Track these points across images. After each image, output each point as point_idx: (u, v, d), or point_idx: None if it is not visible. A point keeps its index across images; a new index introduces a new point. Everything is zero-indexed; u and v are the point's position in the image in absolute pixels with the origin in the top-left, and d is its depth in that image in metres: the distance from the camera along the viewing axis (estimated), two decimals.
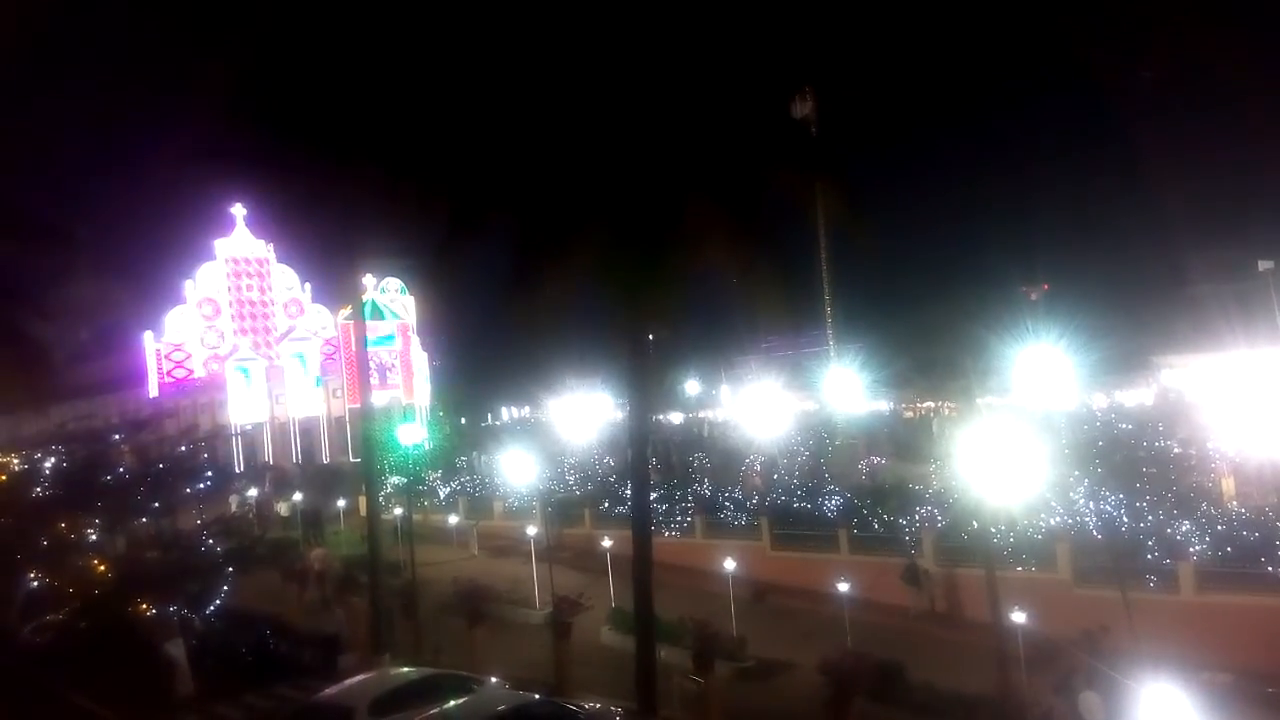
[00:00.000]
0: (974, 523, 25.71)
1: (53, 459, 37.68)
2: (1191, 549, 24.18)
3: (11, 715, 18.96)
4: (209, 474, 42.64)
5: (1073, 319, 42.20)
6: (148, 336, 67.75)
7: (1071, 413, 32.37)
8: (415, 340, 72.60)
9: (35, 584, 28.24)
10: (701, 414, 74.64)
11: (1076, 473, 27.03)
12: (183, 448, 41.88)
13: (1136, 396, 50.54)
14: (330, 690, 18.19)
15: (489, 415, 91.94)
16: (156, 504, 34.40)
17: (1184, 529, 24.80)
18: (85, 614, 25.61)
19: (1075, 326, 41.47)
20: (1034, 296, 57.55)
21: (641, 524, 18.24)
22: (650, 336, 19.06)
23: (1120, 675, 15.75)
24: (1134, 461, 27.10)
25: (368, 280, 65.54)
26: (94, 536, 32.21)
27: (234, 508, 46.11)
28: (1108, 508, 26.24)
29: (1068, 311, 44.01)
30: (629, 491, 23.38)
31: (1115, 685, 15.92)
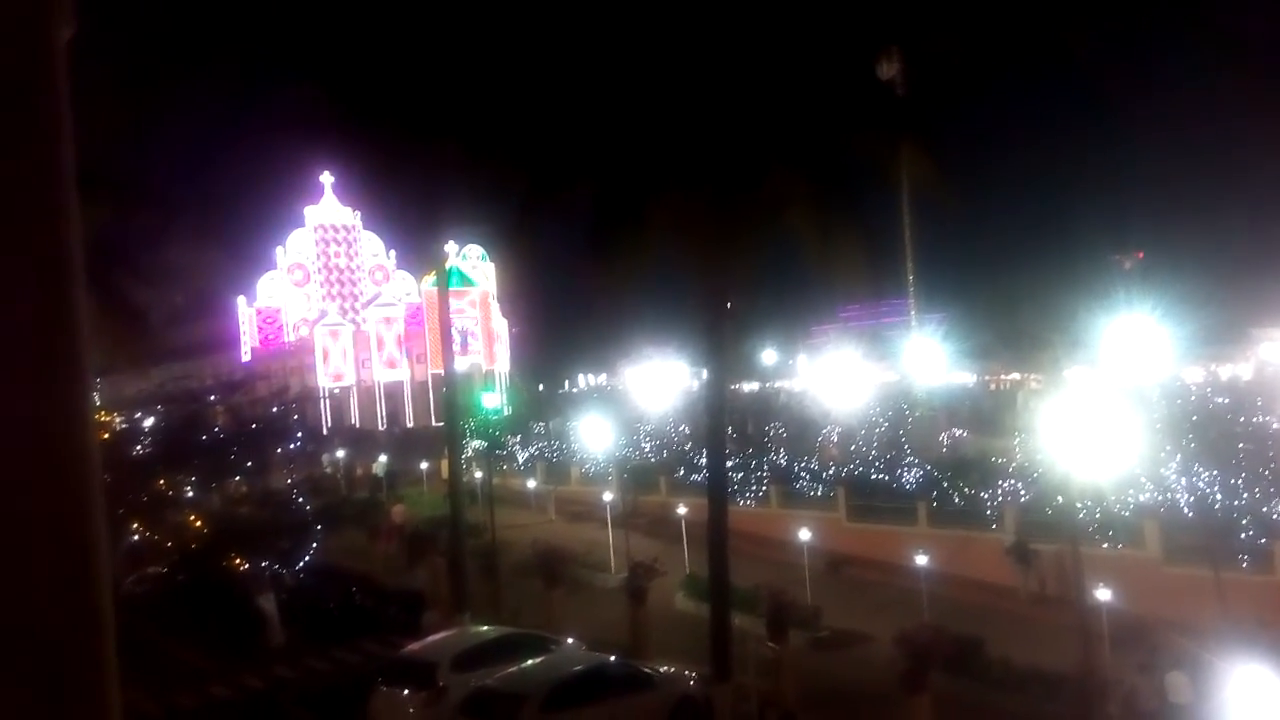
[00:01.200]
0: (1059, 498, 25.12)
1: (152, 418, 39.29)
2: None
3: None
4: (299, 435, 44.01)
5: (1168, 288, 40.63)
6: (241, 301, 69.97)
7: (1164, 386, 31.27)
8: (495, 307, 73.53)
9: (136, 538, 29.62)
10: (778, 383, 74.15)
11: (1168, 448, 26.17)
12: (274, 409, 43.28)
13: (1234, 370, 48.60)
14: (415, 645, 18.77)
15: (566, 382, 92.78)
16: (250, 463, 35.67)
17: None
18: (183, 567, 26.81)
19: (1170, 296, 39.92)
20: (1127, 265, 55.61)
21: (718, 491, 18.27)
22: (728, 304, 18.95)
23: (1211, 655, 15.33)
24: (1230, 437, 26.11)
25: (449, 247, 66.49)
26: (191, 493, 33.61)
27: (325, 467, 47.60)
28: (1200, 484, 25.38)
29: (1162, 280, 42.41)
30: (704, 459, 23.42)
31: (1205, 665, 15.51)
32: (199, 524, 29.33)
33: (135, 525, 29.40)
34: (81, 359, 2.15)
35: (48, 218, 2.09)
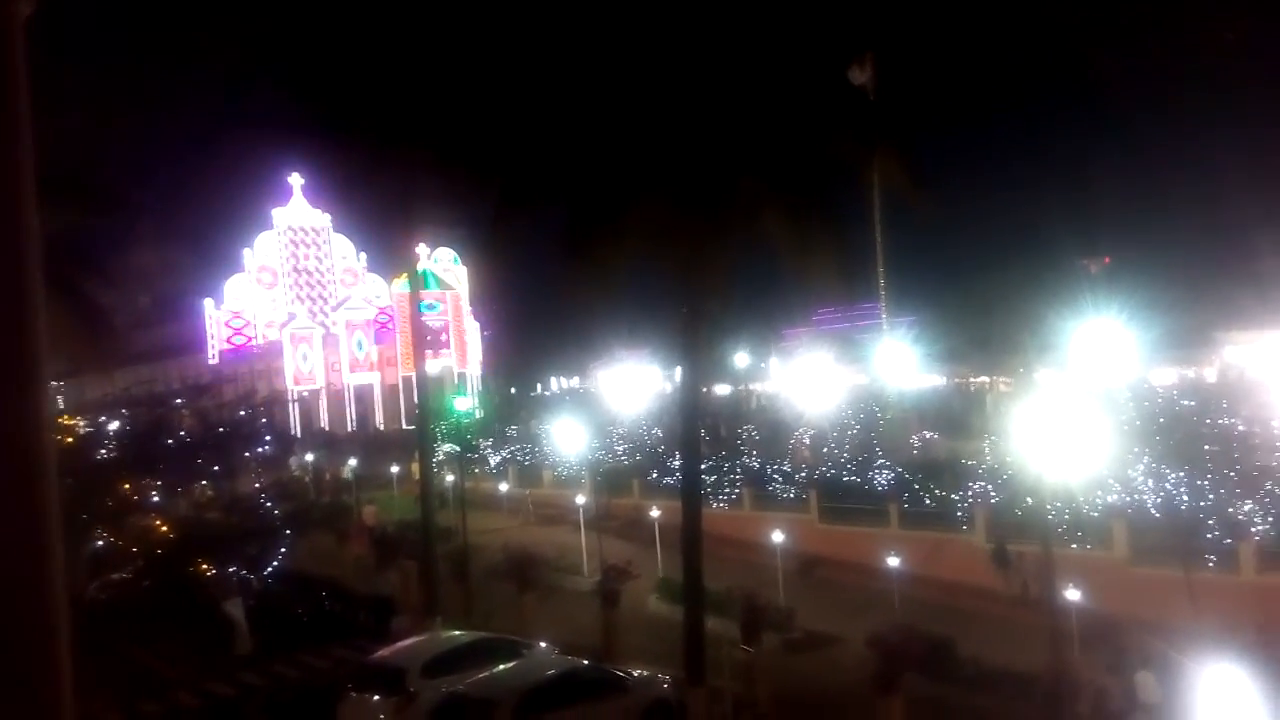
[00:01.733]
0: (1028, 499, 25.33)
1: (117, 422, 38.71)
2: (1254, 529, 23.61)
3: (75, 671, 19.63)
4: (267, 438, 43.52)
5: (1134, 293, 41.24)
6: (208, 304, 69.22)
7: (1131, 388, 31.68)
8: (467, 310, 73.23)
9: (100, 543, 29.13)
10: (750, 386, 74.42)
11: (1135, 450, 26.49)
12: (242, 413, 42.83)
13: (1199, 372, 49.36)
14: (384, 651, 18.59)
15: (539, 385, 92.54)
16: (217, 467, 35.22)
17: (1246, 509, 24.22)
18: (148, 573, 26.40)
19: (1136, 300, 40.52)
20: (1094, 269, 56.31)
21: (691, 493, 18.22)
22: (702, 307, 18.91)
23: (1179, 655, 15.49)
24: (1196, 439, 26.47)
25: (421, 250, 66.14)
26: (156, 498, 33.13)
27: (294, 471, 47.16)
28: (1167, 486, 25.70)
29: (1129, 285, 43.01)
30: (677, 462, 23.39)
31: (1173, 664, 15.67)
32: (165, 529, 28.91)
33: (99, 531, 28.92)
34: (39, 359, 2.06)
35: (4, 205, 2.01)
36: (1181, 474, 25.65)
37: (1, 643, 1.97)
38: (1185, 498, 25.27)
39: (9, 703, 1.98)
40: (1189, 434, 26.57)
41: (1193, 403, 29.41)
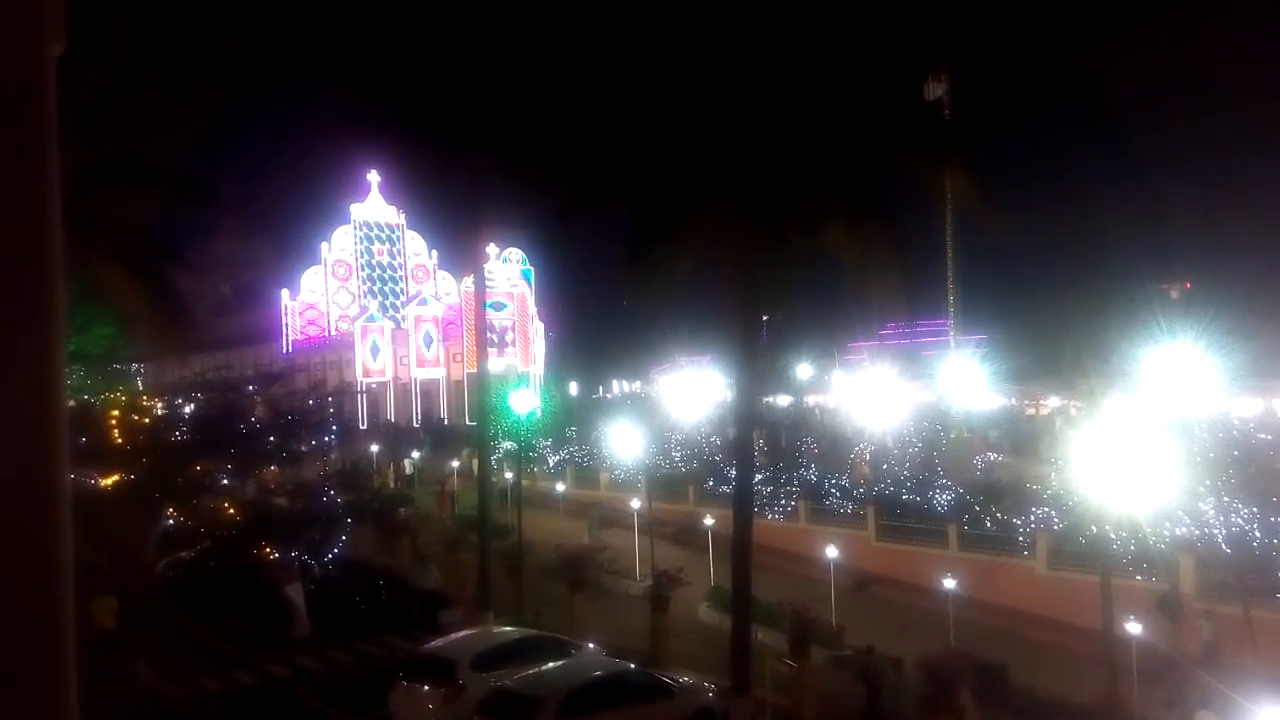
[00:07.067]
0: (1093, 527, 24.74)
1: (192, 405, 39.91)
2: None
3: (146, 644, 20.33)
4: (334, 428, 44.45)
5: (1214, 319, 39.90)
6: (284, 294, 70.90)
7: (1206, 419, 30.69)
8: (534, 311, 73.91)
9: (170, 522, 30.12)
10: (812, 398, 73.76)
11: (1208, 482, 25.68)
12: (311, 402, 43.86)
13: (1275, 406, 47.70)
14: (436, 643, 18.92)
15: (600, 387, 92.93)
16: (284, 453, 36.09)
17: None
18: (214, 553, 27.20)
19: (1217, 327, 39.21)
20: (1174, 294, 54.70)
21: (743, 504, 18.19)
22: (764, 317, 18.92)
23: (1238, 695, 15.03)
24: (1271, 474, 25.57)
25: (490, 249, 66.99)
26: (225, 480, 34.11)
27: (358, 462, 48.09)
28: (1239, 521, 24.87)
29: (1209, 310, 41.61)
30: (733, 471, 23.33)
31: (1232, 705, 15.21)
32: (231, 511, 29.75)
33: (170, 510, 29.90)
34: (57, 380, 2.05)
35: (33, 237, 2.04)
36: (1254, 510, 24.81)
37: (8, 643, 1.92)
38: (1257, 534, 24.44)
39: (13, 703, 1.94)
40: (1264, 468, 25.69)
41: (1269, 436, 28.44)
